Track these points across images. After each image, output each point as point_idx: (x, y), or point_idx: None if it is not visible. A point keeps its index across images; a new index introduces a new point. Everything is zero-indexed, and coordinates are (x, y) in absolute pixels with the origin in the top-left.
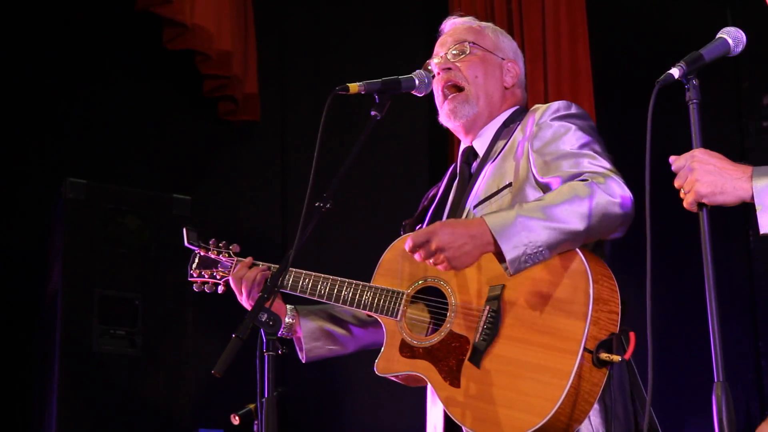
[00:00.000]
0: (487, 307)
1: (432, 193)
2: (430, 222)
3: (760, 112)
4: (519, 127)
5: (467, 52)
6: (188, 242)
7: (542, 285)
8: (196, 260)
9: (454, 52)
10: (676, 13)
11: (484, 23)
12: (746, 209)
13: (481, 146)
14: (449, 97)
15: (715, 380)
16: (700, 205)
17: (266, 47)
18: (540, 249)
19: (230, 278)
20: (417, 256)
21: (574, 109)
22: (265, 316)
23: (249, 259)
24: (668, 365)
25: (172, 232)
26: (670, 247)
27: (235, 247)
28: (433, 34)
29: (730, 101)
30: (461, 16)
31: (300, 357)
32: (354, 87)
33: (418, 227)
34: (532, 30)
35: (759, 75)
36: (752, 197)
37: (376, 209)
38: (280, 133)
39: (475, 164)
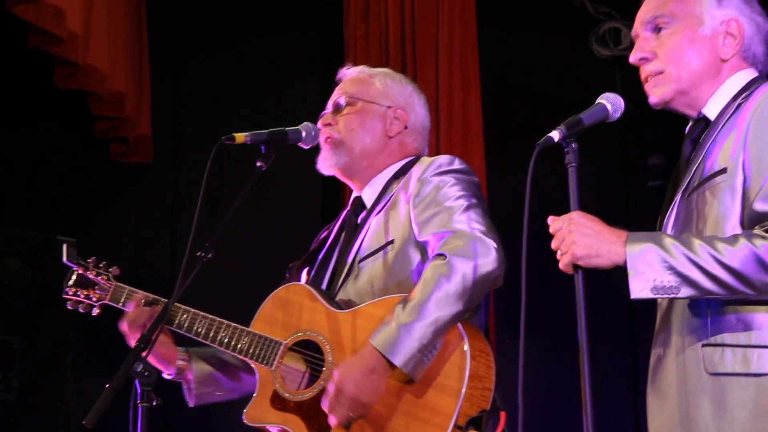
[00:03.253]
0: None
1: (323, 236)
2: (318, 269)
3: (645, 173)
4: (404, 181)
5: (346, 105)
6: (67, 259)
7: None
8: (74, 278)
9: (337, 105)
10: (568, 72)
11: (377, 70)
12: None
13: (369, 197)
14: (325, 147)
15: None
16: (576, 267)
17: (160, 89)
18: (430, 348)
19: (125, 323)
20: (333, 421)
21: (456, 164)
22: (141, 366)
23: (142, 295)
24: (546, 428)
25: (55, 274)
26: (548, 307)
27: (114, 270)
28: (329, 82)
29: (617, 161)
30: (355, 65)
31: (188, 401)
32: (240, 137)
33: (305, 270)
34: (426, 83)
35: (644, 136)
36: (625, 262)
37: (266, 252)
38: (172, 176)
39: (362, 215)
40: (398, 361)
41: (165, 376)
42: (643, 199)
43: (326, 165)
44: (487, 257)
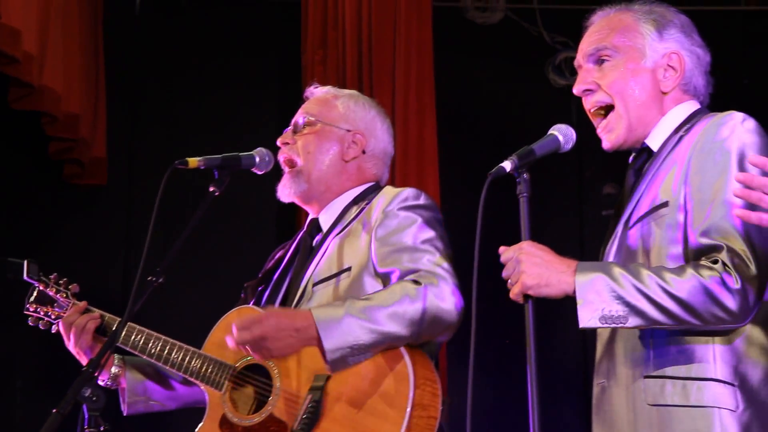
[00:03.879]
0: (309, 396)
1: (278, 255)
2: (272, 290)
3: (600, 202)
4: (367, 209)
5: (305, 125)
6: (28, 275)
7: (366, 383)
8: (35, 294)
9: (297, 124)
10: (524, 100)
11: (343, 92)
12: None
13: (326, 220)
14: (285, 172)
15: None
16: (526, 296)
17: (117, 111)
18: (361, 351)
19: (60, 322)
20: (230, 342)
21: (422, 200)
22: (89, 391)
23: (83, 304)
24: None
25: (3, 296)
26: (498, 336)
27: (74, 287)
28: (287, 107)
29: (572, 190)
30: (320, 86)
31: (122, 409)
32: (193, 162)
33: (259, 289)
34: None
35: (600, 165)
36: (575, 291)
37: (222, 274)
38: (127, 199)
39: (318, 237)
40: (328, 343)
41: (99, 382)
42: (597, 228)
43: (285, 194)
44: (455, 309)
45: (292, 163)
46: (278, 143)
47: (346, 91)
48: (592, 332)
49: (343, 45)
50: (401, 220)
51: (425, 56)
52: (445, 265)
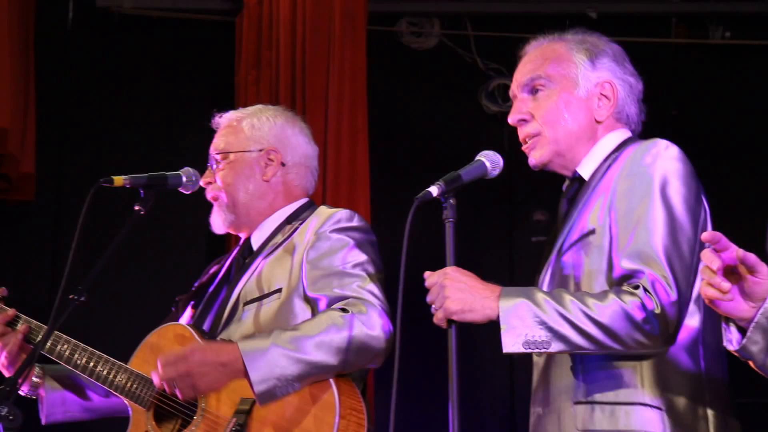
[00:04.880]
0: (234, 420)
1: (213, 270)
2: (204, 307)
3: (530, 227)
4: (300, 229)
5: (220, 161)
6: None
7: (291, 411)
8: None
9: (213, 161)
10: (457, 125)
11: (246, 112)
12: None
13: (258, 240)
14: (214, 206)
15: None
16: (450, 321)
17: (47, 127)
18: (290, 382)
19: None
20: (155, 378)
21: (355, 222)
22: (6, 410)
23: (11, 312)
24: None
25: None
26: (423, 361)
27: (2, 291)
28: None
29: (503, 216)
30: (223, 113)
31: (41, 417)
32: (119, 180)
33: (191, 304)
34: (315, 132)
35: (530, 191)
36: (498, 316)
37: (153, 291)
38: (54, 216)
39: (250, 256)
40: (255, 376)
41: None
42: (527, 254)
43: (217, 226)
44: (383, 336)
45: (216, 199)
46: (201, 184)
47: (249, 109)
48: (520, 358)
49: (277, 66)
50: (333, 242)
51: (359, 79)
52: (375, 290)
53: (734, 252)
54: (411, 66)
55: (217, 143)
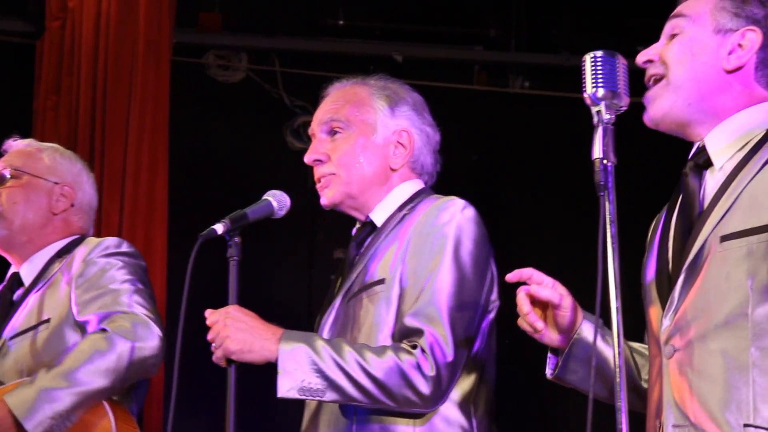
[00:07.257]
0: None
1: None
2: None
3: (331, 265)
4: (68, 260)
5: (10, 178)
6: None
7: None
8: None
9: (1, 177)
10: (261, 160)
11: (46, 145)
12: None
13: (29, 274)
14: None
15: None
16: (230, 361)
17: None
18: (66, 416)
19: None
20: None
21: (124, 248)
22: None
23: None
24: None
25: None
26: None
27: None
28: None
29: (303, 253)
30: (42, 137)
31: None
32: None
33: None
34: (113, 162)
35: (331, 229)
36: (277, 359)
37: None
38: None
39: (19, 292)
40: (30, 424)
41: None
42: (326, 292)
43: None
44: (149, 342)
45: None
46: None
47: (49, 145)
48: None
49: (78, 92)
50: (101, 266)
51: (161, 109)
52: (142, 301)
53: (548, 287)
54: (217, 99)
55: (12, 161)
